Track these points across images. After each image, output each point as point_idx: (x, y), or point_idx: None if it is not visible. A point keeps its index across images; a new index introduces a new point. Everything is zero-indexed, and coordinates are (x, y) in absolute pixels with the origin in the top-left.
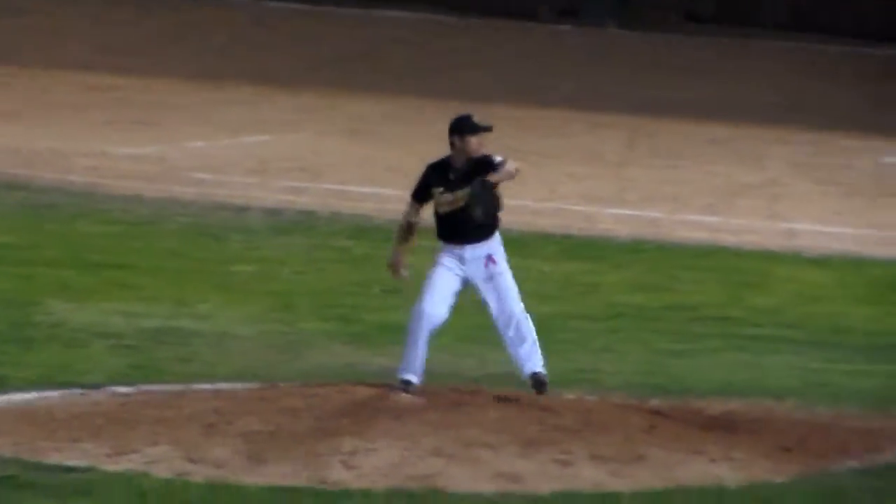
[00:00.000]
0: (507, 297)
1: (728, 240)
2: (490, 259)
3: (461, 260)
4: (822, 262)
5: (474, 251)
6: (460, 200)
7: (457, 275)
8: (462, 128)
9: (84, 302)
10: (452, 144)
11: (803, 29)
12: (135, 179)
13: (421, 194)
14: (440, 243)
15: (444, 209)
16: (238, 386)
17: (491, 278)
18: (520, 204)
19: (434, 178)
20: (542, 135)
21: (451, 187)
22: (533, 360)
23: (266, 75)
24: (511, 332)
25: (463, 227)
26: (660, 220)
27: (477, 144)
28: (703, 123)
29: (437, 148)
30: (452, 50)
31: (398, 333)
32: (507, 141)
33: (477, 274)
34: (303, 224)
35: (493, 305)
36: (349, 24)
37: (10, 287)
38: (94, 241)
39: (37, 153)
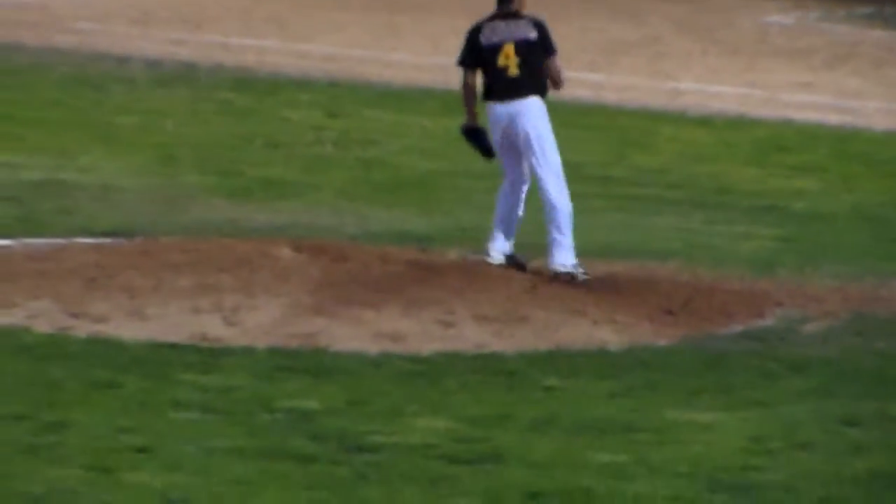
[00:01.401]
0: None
1: (610, 97)
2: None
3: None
4: (706, 121)
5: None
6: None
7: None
8: None
9: None
10: None
11: None
12: (14, 27)
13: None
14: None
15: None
16: (120, 240)
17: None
18: (402, 58)
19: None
20: None
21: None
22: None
23: None
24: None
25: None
26: None
27: None
28: None
29: None
30: None
31: (280, 188)
32: None
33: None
34: (185, 76)
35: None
36: None
37: None
38: None
39: None
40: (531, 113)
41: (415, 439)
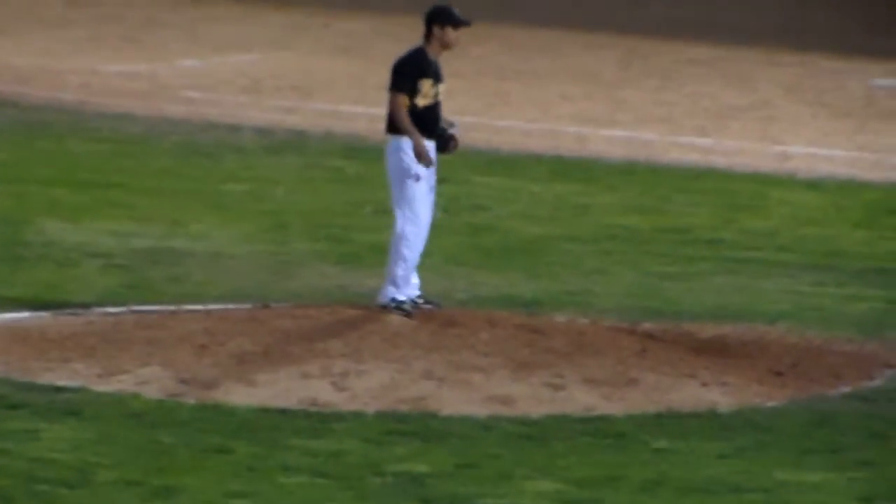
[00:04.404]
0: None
1: (720, 162)
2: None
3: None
4: (816, 184)
5: (433, 150)
6: (441, 95)
7: (424, 178)
8: (446, 18)
9: (76, 221)
10: (429, 34)
11: None
12: (125, 97)
13: (410, 86)
14: (400, 141)
15: (428, 101)
16: (230, 307)
17: (433, 189)
18: (511, 125)
19: (421, 70)
20: (534, 54)
21: (436, 79)
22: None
23: None
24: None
25: (436, 121)
26: (653, 142)
27: (455, 38)
28: (694, 44)
29: None
30: None
31: None
32: (499, 59)
33: (431, 176)
34: (295, 143)
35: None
36: None
37: (2, 205)
38: (85, 160)
39: (26, 70)
40: None
41: (525, 502)
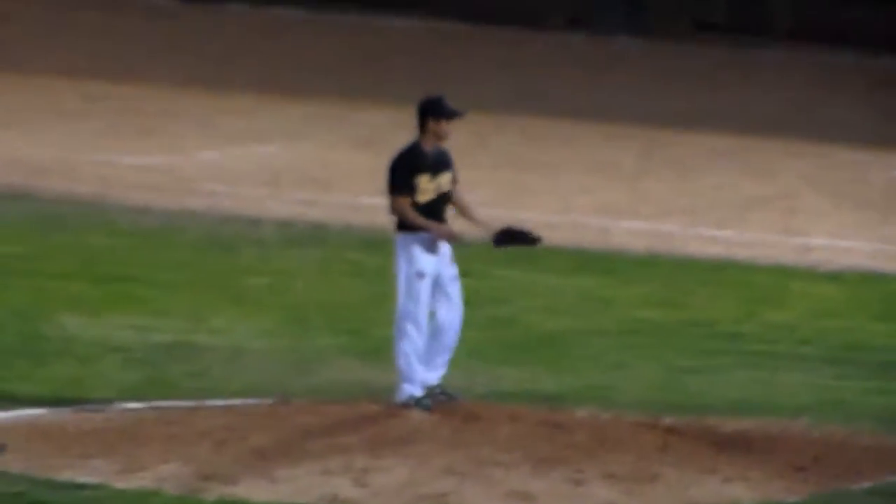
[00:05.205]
0: (458, 305)
1: (742, 254)
2: (452, 258)
3: (435, 252)
4: (837, 277)
5: (444, 244)
6: (445, 185)
7: (430, 276)
8: (438, 111)
9: (95, 316)
10: (424, 127)
11: (812, 38)
12: (143, 190)
13: (407, 186)
14: (407, 237)
15: (429, 196)
16: (250, 402)
17: (454, 279)
18: (532, 216)
19: (417, 167)
20: (553, 145)
21: (434, 172)
22: (443, 369)
23: (269, 84)
24: (447, 340)
25: (440, 213)
26: (674, 234)
27: (448, 129)
28: (715, 134)
29: None
30: (460, 57)
31: None
32: (518, 150)
33: (445, 270)
34: (315, 236)
35: (443, 308)
36: (351, 31)
37: (20, 300)
38: (103, 254)
39: (41, 162)
40: None
41: None
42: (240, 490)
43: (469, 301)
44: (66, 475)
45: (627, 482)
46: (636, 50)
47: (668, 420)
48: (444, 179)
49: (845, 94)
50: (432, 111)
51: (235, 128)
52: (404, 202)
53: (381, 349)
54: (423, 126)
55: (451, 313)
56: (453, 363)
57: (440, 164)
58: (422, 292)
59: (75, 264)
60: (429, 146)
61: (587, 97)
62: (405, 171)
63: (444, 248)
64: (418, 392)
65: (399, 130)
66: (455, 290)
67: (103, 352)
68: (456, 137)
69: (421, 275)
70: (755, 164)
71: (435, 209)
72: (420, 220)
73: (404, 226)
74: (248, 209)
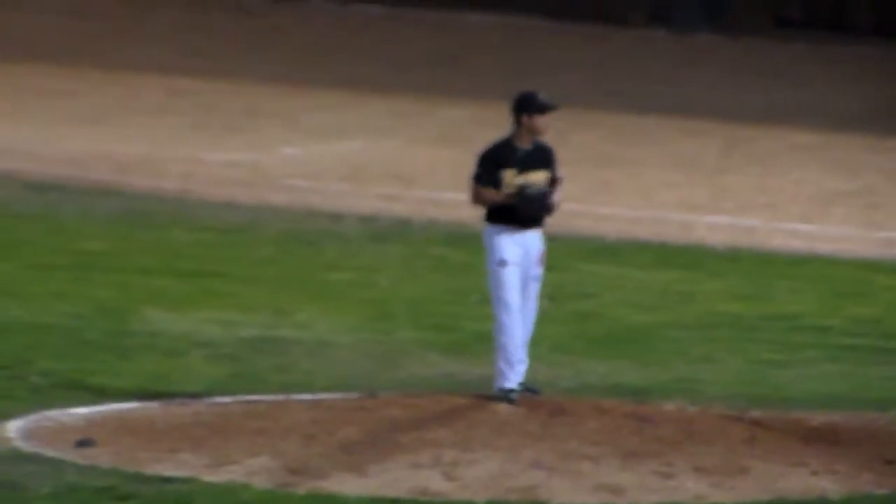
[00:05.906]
0: (534, 303)
1: (824, 248)
2: (542, 257)
3: (523, 246)
4: None
5: (535, 240)
6: (541, 182)
7: (515, 265)
8: (531, 105)
9: (180, 311)
10: (518, 122)
11: (891, 33)
12: (228, 186)
13: (490, 177)
14: (490, 228)
15: (512, 191)
16: (337, 396)
17: (536, 279)
18: (615, 212)
19: (501, 161)
20: (637, 142)
21: (523, 167)
22: (523, 365)
23: (353, 80)
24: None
25: (538, 210)
26: (756, 228)
27: (544, 124)
28: (796, 130)
29: None
30: (542, 54)
31: None
32: (600, 146)
33: (531, 270)
34: (398, 231)
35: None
36: (434, 27)
37: (106, 295)
38: (188, 249)
39: (128, 159)
40: None
41: None
42: (329, 484)
43: (553, 296)
44: (154, 469)
45: (716, 475)
46: (716, 46)
47: (755, 413)
48: (536, 177)
49: None
50: (524, 106)
51: (319, 124)
52: (477, 187)
53: (466, 343)
54: (517, 122)
55: (526, 311)
56: (538, 357)
57: (534, 160)
58: (507, 279)
59: (160, 260)
60: (524, 142)
61: (668, 93)
62: (490, 163)
63: (534, 247)
64: (509, 384)
65: (480, 126)
66: (534, 288)
67: (189, 346)
68: None
69: (503, 263)
70: (836, 159)
71: (520, 206)
72: (487, 193)
73: (488, 216)
74: (331, 205)
